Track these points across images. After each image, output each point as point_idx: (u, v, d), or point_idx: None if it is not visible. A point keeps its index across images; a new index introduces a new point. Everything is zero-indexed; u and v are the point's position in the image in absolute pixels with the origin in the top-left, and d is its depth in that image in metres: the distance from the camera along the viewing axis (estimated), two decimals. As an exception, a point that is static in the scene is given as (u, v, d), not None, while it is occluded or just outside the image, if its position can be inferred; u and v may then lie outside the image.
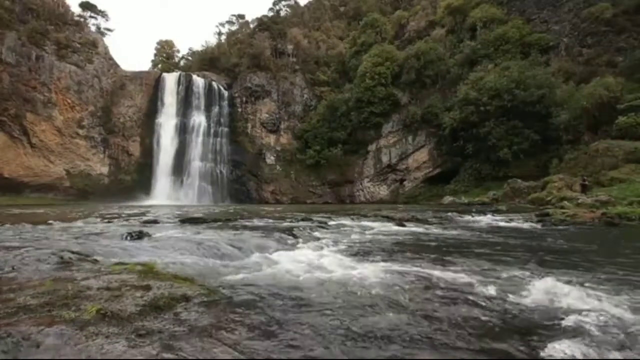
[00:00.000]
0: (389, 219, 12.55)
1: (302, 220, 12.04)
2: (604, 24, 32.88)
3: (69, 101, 42.33)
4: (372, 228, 10.33)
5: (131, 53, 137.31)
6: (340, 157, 44.97)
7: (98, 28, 54.26)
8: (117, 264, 4.23)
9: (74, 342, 1.95)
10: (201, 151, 46.99)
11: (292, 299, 3.20)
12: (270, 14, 65.71)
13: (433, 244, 7.52)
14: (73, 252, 4.61)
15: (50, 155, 41.50)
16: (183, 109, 47.91)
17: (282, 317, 2.73)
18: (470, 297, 3.35)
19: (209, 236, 7.52)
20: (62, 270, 3.70)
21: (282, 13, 67.68)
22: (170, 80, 49.04)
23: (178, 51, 77.22)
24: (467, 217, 14.29)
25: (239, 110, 50.06)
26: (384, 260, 5.33)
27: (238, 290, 3.35)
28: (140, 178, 45.58)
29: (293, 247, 6.66)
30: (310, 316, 2.77)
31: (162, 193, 44.04)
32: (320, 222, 11.27)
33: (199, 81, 49.04)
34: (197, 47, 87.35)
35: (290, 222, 11.45)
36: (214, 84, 50.09)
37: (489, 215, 14.88)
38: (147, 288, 2.94)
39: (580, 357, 2.17)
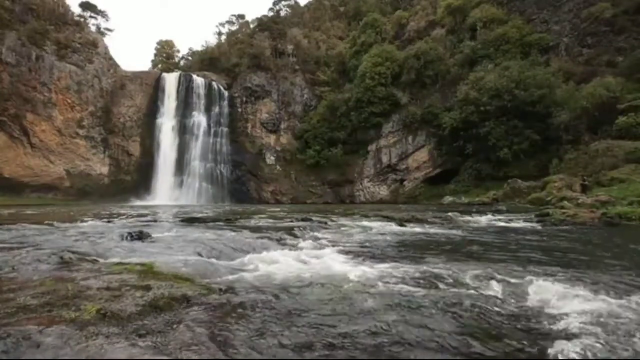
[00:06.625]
0: (389, 219, 12.53)
1: (302, 220, 12.03)
2: (604, 24, 32.87)
3: (69, 101, 42.32)
4: (372, 228, 10.32)
5: (131, 53, 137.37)
6: (340, 157, 44.95)
7: (98, 28, 54.27)
8: (117, 264, 4.23)
9: (74, 342, 1.95)
10: (201, 151, 46.97)
11: (292, 299, 3.20)
12: (270, 14, 65.70)
13: (433, 244, 7.52)
14: (73, 252, 4.61)
15: (50, 155, 41.49)
16: (183, 109, 47.89)
17: (281, 317, 2.73)
18: (470, 297, 3.35)
19: (209, 236, 7.52)
20: (62, 270, 3.70)
21: (282, 13, 67.63)
22: (170, 80, 49.03)
23: (178, 51, 77.20)
24: (467, 217, 14.27)
25: (239, 110, 50.05)
26: (383, 260, 5.33)
27: (238, 290, 3.36)
28: (140, 178, 45.57)
29: (293, 247, 6.66)
30: (310, 316, 2.77)
31: (162, 193, 44.04)
32: (320, 222, 11.26)
33: (199, 81, 49.02)
34: (197, 47, 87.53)
35: (290, 222, 11.44)
36: (214, 84, 50.08)
37: (489, 215, 14.86)
38: (147, 288, 2.94)
39: (580, 358, 2.17)
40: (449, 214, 15.51)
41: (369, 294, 3.41)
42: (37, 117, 40.14)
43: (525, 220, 12.61)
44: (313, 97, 51.42)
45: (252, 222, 11.21)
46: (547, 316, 2.88)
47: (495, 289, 3.65)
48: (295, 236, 7.88)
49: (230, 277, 4.10)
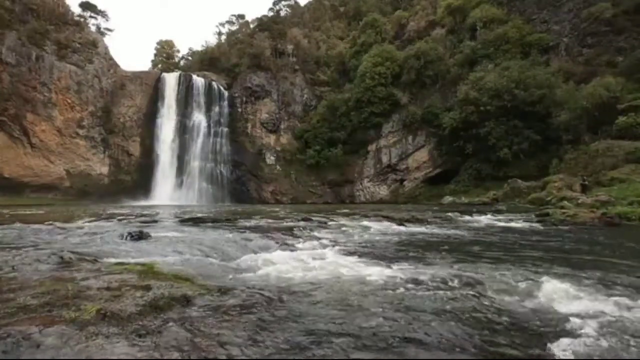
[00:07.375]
0: (389, 219, 12.52)
1: (302, 220, 12.03)
2: (604, 24, 32.85)
3: (69, 101, 42.30)
4: (372, 228, 10.31)
5: (131, 53, 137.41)
6: (340, 157, 44.95)
7: (98, 28, 54.27)
8: (117, 264, 4.23)
9: (74, 342, 1.95)
10: (201, 151, 46.97)
11: (292, 300, 3.19)
12: (270, 14, 65.71)
13: (434, 244, 7.51)
14: (73, 252, 4.60)
15: (50, 155, 41.47)
16: (183, 109, 47.89)
17: (281, 317, 2.72)
18: (471, 298, 3.35)
19: (209, 236, 7.52)
20: (62, 270, 3.70)
21: (282, 13, 67.65)
22: (170, 80, 49.01)
23: (178, 51, 77.26)
24: (467, 217, 14.27)
25: (239, 110, 50.05)
26: (383, 260, 5.32)
27: (238, 290, 3.35)
28: (140, 178, 45.55)
29: (293, 247, 6.65)
30: (309, 317, 2.77)
31: (162, 193, 44.02)
32: (320, 222, 11.26)
33: (199, 81, 49.03)
34: (197, 47, 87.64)
35: (290, 222, 11.44)
36: (214, 84, 50.07)
37: (489, 215, 14.86)
38: (147, 288, 2.94)
39: (581, 358, 2.17)
40: (449, 214, 15.52)
41: (370, 295, 3.40)
42: (37, 117, 40.12)
43: (525, 221, 12.61)
44: (313, 97, 51.42)
45: (252, 222, 11.21)
46: (547, 316, 2.88)
47: (500, 289, 3.64)
48: (296, 236, 7.88)
49: (231, 278, 4.10)
